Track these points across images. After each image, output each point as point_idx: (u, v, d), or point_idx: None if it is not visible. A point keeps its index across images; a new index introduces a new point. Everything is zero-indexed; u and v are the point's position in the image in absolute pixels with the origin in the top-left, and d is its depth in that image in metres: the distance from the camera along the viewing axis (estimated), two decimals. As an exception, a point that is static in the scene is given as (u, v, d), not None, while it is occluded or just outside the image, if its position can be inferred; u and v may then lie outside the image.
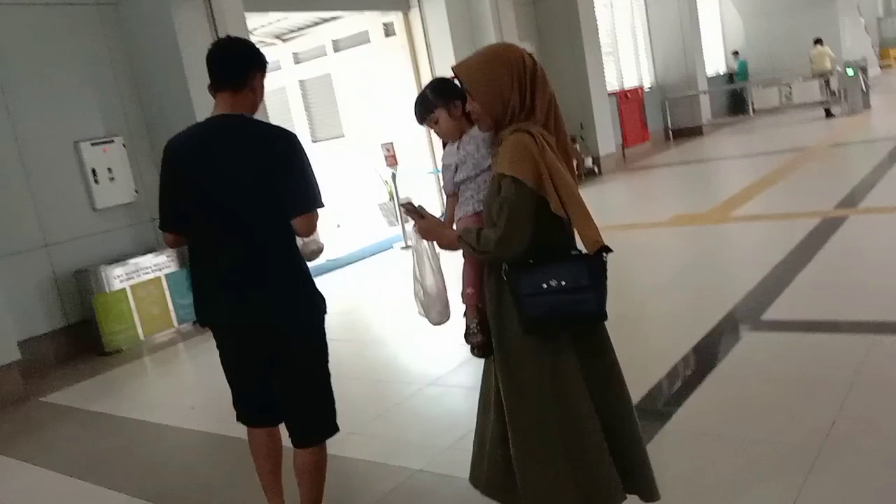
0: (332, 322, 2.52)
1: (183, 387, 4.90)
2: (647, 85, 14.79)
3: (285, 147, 2.31)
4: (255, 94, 2.41)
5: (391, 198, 8.84)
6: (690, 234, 6.32)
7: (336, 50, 10.81)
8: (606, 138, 11.69)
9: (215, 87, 2.37)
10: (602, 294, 1.98)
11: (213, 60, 2.37)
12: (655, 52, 15.03)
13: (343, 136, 11.22)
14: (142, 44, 6.55)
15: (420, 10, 9.53)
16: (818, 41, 14.59)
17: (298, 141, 2.37)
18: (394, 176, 8.39)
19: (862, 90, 13.33)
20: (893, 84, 15.61)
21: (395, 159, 8.45)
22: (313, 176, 2.33)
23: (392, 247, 8.18)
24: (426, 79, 9.59)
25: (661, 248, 6.08)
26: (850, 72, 13.27)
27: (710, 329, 3.83)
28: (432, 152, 9.79)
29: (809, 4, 16.45)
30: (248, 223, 2.29)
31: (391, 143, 8.53)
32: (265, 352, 2.38)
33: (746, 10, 17.36)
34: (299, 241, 2.41)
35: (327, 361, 2.46)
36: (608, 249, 1.93)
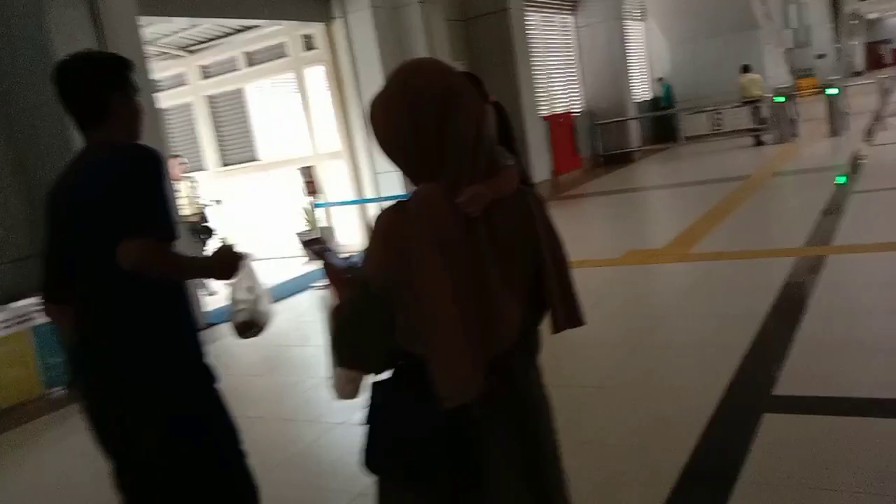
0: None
1: (40, 488, 3.78)
2: (576, 110, 14.38)
3: (118, 170, 1.90)
4: (121, 118, 1.99)
5: (311, 230, 7.87)
6: (653, 275, 5.66)
7: (250, 64, 9.81)
8: (541, 164, 11.08)
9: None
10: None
11: (57, 89, 1.96)
12: (585, 77, 14.67)
13: (257, 159, 10.18)
14: (4, 49, 5.41)
15: (345, 22, 8.68)
16: (746, 68, 14.55)
17: (141, 160, 1.92)
18: (313, 205, 7.44)
19: (790, 118, 13.28)
20: (811, 112, 15.75)
21: (316, 186, 7.51)
22: (155, 198, 1.89)
23: (310, 287, 7.20)
24: (351, 97, 8.73)
25: (624, 294, 5.37)
26: (779, 99, 13.20)
27: (714, 412, 3.07)
28: (356, 179, 8.90)
29: (733, 32, 16.53)
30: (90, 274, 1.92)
31: (311, 169, 7.59)
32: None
33: (672, 37, 17.32)
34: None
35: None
36: (463, 409, 1.39)
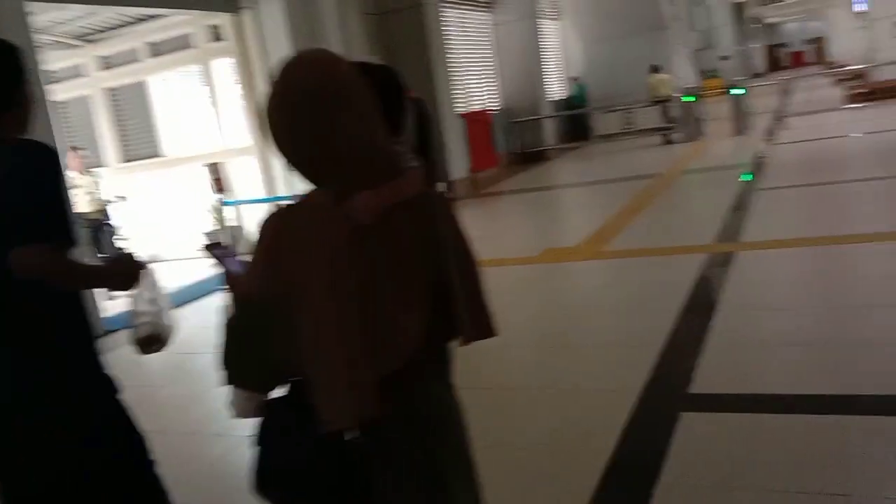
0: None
1: None
2: (493, 107, 14.41)
3: (6, 169, 1.70)
4: (14, 112, 1.81)
5: (219, 230, 7.52)
6: (569, 273, 5.65)
7: (153, 55, 9.31)
8: (458, 162, 11.02)
9: None
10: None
11: None
12: (502, 75, 14.72)
13: (160, 155, 9.69)
14: None
15: (255, 12, 8.34)
16: (656, 68, 14.94)
17: (33, 158, 1.72)
18: (222, 203, 7.11)
19: (698, 118, 13.72)
20: (717, 112, 16.37)
21: (224, 184, 7.18)
22: (50, 200, 1.70)
23: (217, 290, 6.86)
24: (261, 90, 8.39)
25: (542, 293, 5.34)
26: (687, 99, 13.61)
27: (632, 411, 3.03)
28: (268, 176, 8.58)
29: (644, 33, 16.94)
30: None
31: (219, 165, 7.25)
32: None
33: (586, 37, 17.62)
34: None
35: None
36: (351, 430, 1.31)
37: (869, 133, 11.00)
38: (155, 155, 9.73)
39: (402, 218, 1.33)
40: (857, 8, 24.38)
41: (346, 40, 8.62)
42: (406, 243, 1.35)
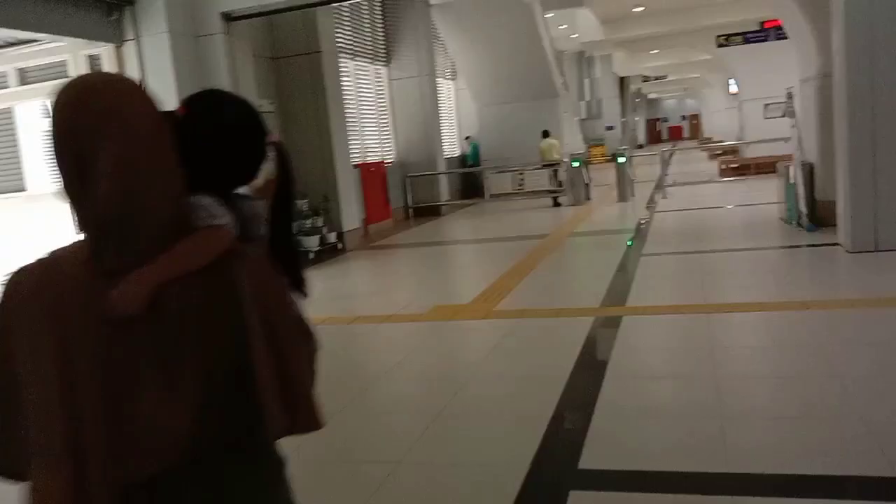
0: None
1: None
2: (389, 160, 14.36)
3: None
4: None
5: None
6: (458, 333, 5.49)
7: (22, 81, 8.64)
8: (351, 212, 10.81)
9: None
10: None
11: None
12: (397, 129, 14.74)
13: (25, 189, 8.93)
14: None
15: (138, 45, 7.91)
16: (546, 133, 15.42)
17: None
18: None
19: (584, 182, 14.19)
20: (601, 178, 17.07)
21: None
22: None
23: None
24: (141, 128, 7.91)
25: (429, 353, 5.14)
26: (575, 164, 14.07)
27: (520, 490, 2.85)
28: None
29: (536, 99, 17.53)
30: None
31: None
32: None
33: (480, 99, 18.04)
34: None
35: None
36: None
37: (739, 205, 11.69)
38: (19, 189, 8.95)
39: (180, 292, 1.08)
40: (732, 89, 26.41)
41: (236, 81, 8.31)
42: (186, 323, 1.08)
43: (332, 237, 10.18)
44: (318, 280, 8.37)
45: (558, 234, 10.29)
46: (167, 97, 5.58)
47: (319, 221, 10.00)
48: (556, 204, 14.38)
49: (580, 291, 6.61)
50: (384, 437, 3.55)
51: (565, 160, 14.56)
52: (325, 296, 7.43)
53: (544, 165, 15.18)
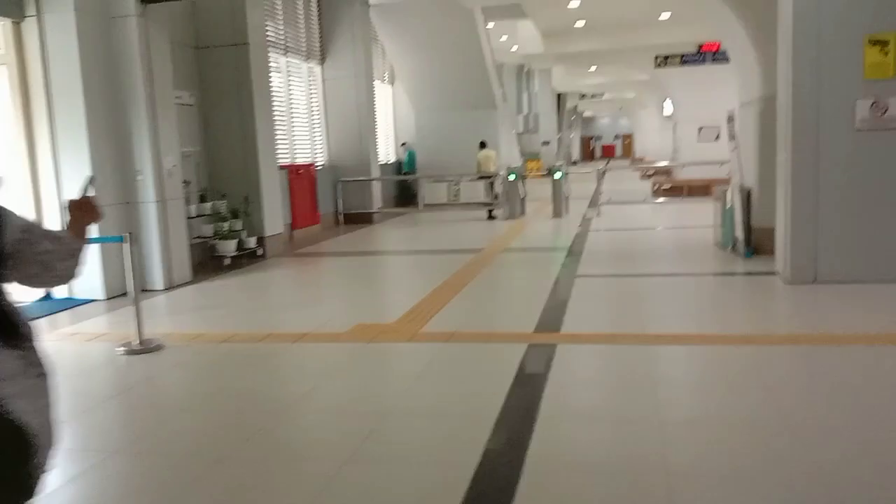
0: None
1: None
2: (319, 163, 13.75)
3: None
4: None
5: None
6: (380, 357, 4.99)
7: None
8: (275, 217, 10.17)
9: None
10: None
11: None
12: (330, 131, 14.15)
13: None
14: None
15: (39, 22, 7.14)
16: (483, 144, 15.10)
17: None
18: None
19: (520, 196, 13.91)
20: (537, 192, 16.88)
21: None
22: None
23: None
24: (39, 108, 7.19)
25: (347, 380, 4.62)
26: (511, 177, 13.78)
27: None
28: (38, 205, 7.27)
29: (473, 109, 17.21)
30: None
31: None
32: None
33: (417, 105, 17.61)
34: None
35: None
36: None
37: (674, 227, 11.59)
38: None
39: None
40: (666, 111, 26.80)
41: (150, 69, 7.61)
42: None
43: (252, 242, 9.52)
44: (232, 290, 7.73)
45: (492, 248, 9.91)
46: (71, 82, 4.94)
47: (238, 225, 9.34)
48: (491, 217, 14.06)
49: (513, 314, 6.20)
50: (285, 487, 3.02)
51: (501, 173, 14.26)
52: (236, 308, 6.81)
53: (480, 177, 14.85)
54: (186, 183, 8.85)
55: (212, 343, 5.44)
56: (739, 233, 8.36)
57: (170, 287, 7.87)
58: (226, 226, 9.13)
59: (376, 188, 14.60)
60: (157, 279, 7.84)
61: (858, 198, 6.38)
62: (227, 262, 9.10)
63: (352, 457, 3.28)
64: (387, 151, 17.72)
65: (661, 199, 16.03)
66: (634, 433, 3.42)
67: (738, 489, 2.82)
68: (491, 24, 18.73)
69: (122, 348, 5.29)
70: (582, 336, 5.20)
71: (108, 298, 7.30)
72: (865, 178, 6.36)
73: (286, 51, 12.44)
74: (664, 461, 3.09)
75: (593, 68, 27.65)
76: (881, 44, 6.20)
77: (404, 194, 17.38)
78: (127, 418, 4.05)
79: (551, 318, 5.72)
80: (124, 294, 7.12)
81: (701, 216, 11.45)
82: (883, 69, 6.21)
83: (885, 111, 6.23)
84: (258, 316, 6.40)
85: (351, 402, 4.09)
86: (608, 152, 57.64)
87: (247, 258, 9.53)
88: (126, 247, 5.52)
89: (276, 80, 11.72)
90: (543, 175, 25.61)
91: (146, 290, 7.66)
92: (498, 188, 14.33)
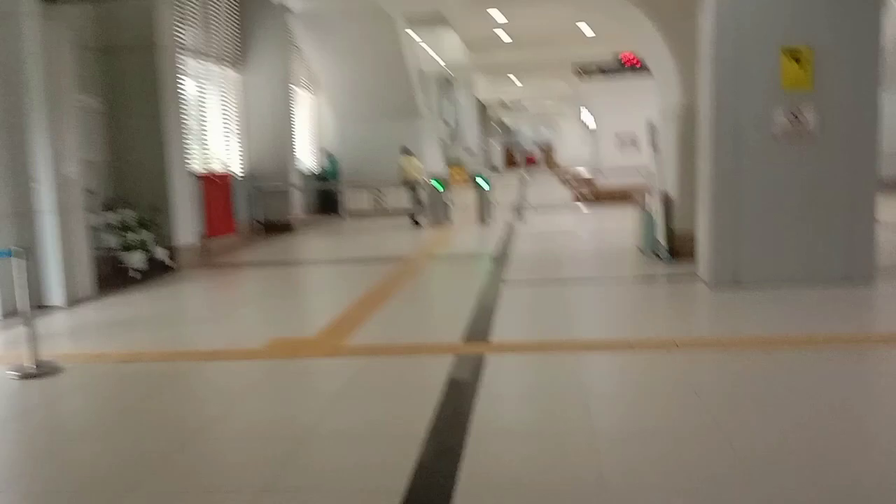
0: None
1: None
2: (236, 171, 13.23)
3: None
4: None
5: None
6: (298, 375, 4.69)
7: None
8: (186, 226, 9.66)
9: None
10: None
11: None
12: (248, 138, 13.65)
13: None
14: None
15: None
16: (407, 151, 14.91)
17: None
18: None
19: (445, 203, 13.77)
20: (460, 200, 16.83)
21: None
22: None
23: None
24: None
25: (261, 402, 4.30)
26: (435, 185, 13.62)
27: None
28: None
29: (397, 118, 17.02)
30: None
31: None
32: None
33: (340, 113, 17.27)
34: None
35: None
36: None
37: (596, 233, 11.69)
38: None
39: None
40: (586, 120, 27.31)
41: (51, 72, 7.07)
42: None
43: (162, 253, 9.00)
44: (139, 305, 7.26)
45: (417, 256, 9.71)
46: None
47: (147, 236, 8.80)
48: (416, 224, 13.86)
49: (440, 324, 6.01)
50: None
51: (425, 180, 14.10)
52: (143, 325, 6.36)
53: (404, 184, 14.65)
54: (90, 192, 8.29)
55: (115, 364, 5.02)
56: (661, 238, 8.44)
57: (71, 303, 7.31)
58: (132, 236, 8.59)
59: (296, 196, 14.19)
60: (57, 295, 7.27)
61: (777, 203, 6.50)
62: (136, 275, 8.56)
63: (268, 486, 3.00)
64: (309, 159, 17.30)
65: (582, 206, 16.21)
66: (569, 449, 3.27)
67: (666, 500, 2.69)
68: (414, 34, 18.61)
69: (14, 372, 4.81)
70: (511, 345, 5.05)
71: (4, 317, 6.71)
72: (783, 185, 6.48)
73: (201, 55, 11.91)
74: (601, 478, 2.95)
75: (516, 79, 27.93)
76: (797, 54, 6.34)
77: (327, 203, 16.98)
78: (15, 450, 3.63)
79: (479, 328, 5.56)
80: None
81: (622, 222, 11.60)
82: (799, 79, 6.35)
83: (802, 120, 6.37)
84: (167, 333, 5.98)
85: (266, 425, 3.79)
86: (530, 161, 58.41)
87: (157, 271, 9.00)
88: (15, 261, 5.04)
89: (189, 86, 11.20)
90: (467, 182, 25.64)
91: (44, 307, 7.09)
92: (422, 195, 14.16)
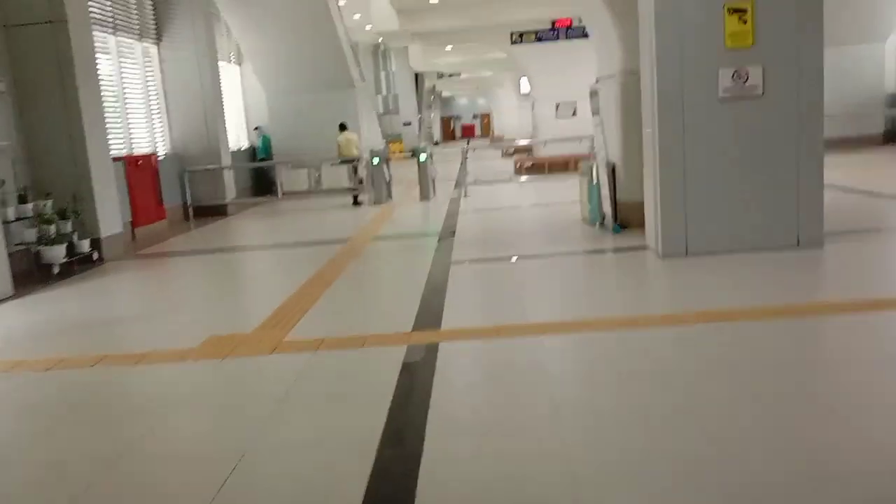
0: None
1: None
2: (161, 152, 12.54)
3: None
4: None
5: None
6: (236, 376, 4.33)
7: None
8: (111, 215, 9.07)
9: None
10: None
11: None
12: (172, 117, 12.94)
13: None
14: None
15: None
16: (343, 126, 14.42)
17: None
18: None
19: (385, 180, 13.39)
20: (400, 175, 16.46)
21: None
22: None
23: None
24: None
25: (195, 412, 3.95)
26: (375, 161, 13.22)
27: None
28: None
29: (330, 90, 16.44)
30: None
31: None
32: None
33: (270, 87, 16.58)
34: None
35: None
36: None
37: (539, 205, 11.53)
38: None
39: None
40: (524, 89, 27.09)
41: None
42: None
43: (85, 245, 8.41)
44: (61, 302, 6.73)
45: (360, 237, 9.35)
46: None
47: (67, 227, 8.20)
48: (357, 203, 13.45)
49: (388, 311, 5.70)
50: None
51: (364, 156, 13.67)
52: (61, 326, 5.86)
53: (342, 161, 14.18)
54: (0, 182, 7.63)
55: (33, 372, 4.57)
56: (607, 208, 8.31)
57: (-15, 305, 6.73)
58: (52, 229, 7.98)
59: (228, 177, 13.58)
60: (-33, 297, 6.68)
61: (724, 168, 6.39)
62: (57, 269, 7.96)
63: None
64: (238, 137, 16.60)
65: (524, 178, 16.05)
66: (532, 442, 3.05)
67: (649, 492, 2.50)
68: (343, 1, 17.95)
69: (-87, 389, 4.31)
70: (464, 332, 4.80)
71: None
72: (730, 148, 6.37)
73: (115, 29, 11.14)
74: (569, 470, 2.73)
75: (450, 47, 27.47)
76: (740, 12, 6.19)
77: (261, 183, 16.37)
78: (-90, 487, 3.19)
79: (430, 314, 5.28)
80: (-78, 319, 5.97)
81: (565, 192, 11.46)
82: (743, 37, 6.21)
83: (747, 79, 6.25)
84: (91, 334, 5.51)
85: (199, 441, 3.45)
86: (468, 132, 58.15)
87: (80, 264, 8.41)
88: None
89: (104, 63, 10.47)
90: (407, 157, 25.20)
91: (-47, 311, 6.51)
92: (362, 172, 13.73)
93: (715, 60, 6.25)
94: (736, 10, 6.17)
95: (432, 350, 4.39)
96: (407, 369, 4.09)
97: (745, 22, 6.16)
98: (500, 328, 4.79)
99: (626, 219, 8.14)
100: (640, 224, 7.34)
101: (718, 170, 6.39)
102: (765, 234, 6.42)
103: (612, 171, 8.35)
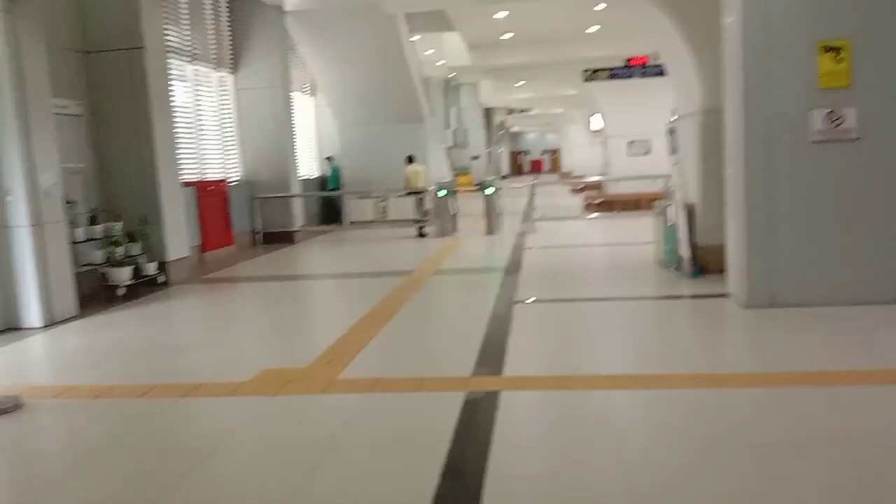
0: None
1: None
2: (233, 179, 12.71)
3: None
4: None
5: None
6: (287, 416, 4.11)
7: None
8: (178, 239, 9.13)
9: None
10: None
11: None
12: (245, 145, 13.13)
13: None
14: None
15: None
16: (411, 159, 14.38)
17: None
18: None
19: (451, 212, 13.22)
20: (467, 208, 16.27)
21: None
22: None
23: None
24: None
25: (243, 453, 3.73)
26: (442, 193, 13.08)
27: None
28: None
29: (400, 123, 16.49)
30: None
31: None
32: None
33: (342, 118, 16.75)
34: None
35: None
36: None
37: (610, 245, 11.11)
38: None
39: None
40: (594, 125, 26.73)
41: (23, 75, 6.55)
42: None
43: (152, 268, 8.46)
44: (122, 325, 6.71)
45: (423, 270, 9.14)
46: None
47: (135, 249, 8.27)
48: (421, 234, 13.31)
49: (448, 351, 5.41)
50: None
51: (431, 188, 13.55)
52: (118, 350, 5.79)
53: (409, 193, 14.10)
54: (71, 203, 7.76)
55: (85, 400, 4.46)
56: (684, 251, 7.85)
57: (50, 324, 6.78)
58: (119, 251, 8.05)
59: (297, 205, 13.66)
60: (33, 315, 6.74)
61: (816, 213, 5.90)
62: (122, 291, 8.01)
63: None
64: (309, 166, 16.77)
65: (593, 215, 15.63)
66: (605, 522, 2.70)
67: None
68: (417, 37, 18.09)
69: (-34, 410, 4.25)
70: (527, 380, 4.47)
71: (-30, 341, 6.18)
72: (822, 193, 5.89)
73: (193, 58, 11.40)
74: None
75: (521, 83, 27.39)
76: (834, 50, 5.76)
77: (329, 211, 16.45)
78: (-56, 518, 3.07)
79: (491, 357, 4.98)
80: (-13, 336, 6.02)
81: (636, 232, 11.01)
82: (838, 77, 5.77)
83: (841, 122, 5.79)
84: (145, 361, 5.41)
85: (241, 489, 3.22)
86: (536, 167, 57.92)
87: (146, 286, 8.46)
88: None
89: (180, 90, 10.68)
90: (474, 190, 25.09)
91: (18, 329, 6.57)
92: (428, 204, 13.60)
93: (807, 101, 5.80)
94: (830, 49, 5.74)
95: (492, 398, 4.07)
96: (465, 418, 3.79)
97: (840, 61, 5.72)
98: (568, 378, 4.44)
99: (704, 263, 7.67)
100: (719, 269, 6.87)
101: (810, 215, 5.90)
102: (859, 287, 5.87)
103: (690, 213, 7.91)
